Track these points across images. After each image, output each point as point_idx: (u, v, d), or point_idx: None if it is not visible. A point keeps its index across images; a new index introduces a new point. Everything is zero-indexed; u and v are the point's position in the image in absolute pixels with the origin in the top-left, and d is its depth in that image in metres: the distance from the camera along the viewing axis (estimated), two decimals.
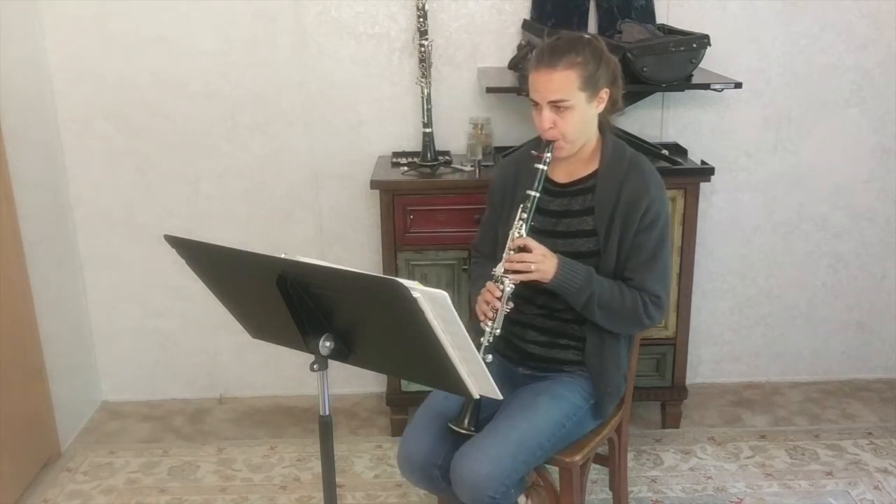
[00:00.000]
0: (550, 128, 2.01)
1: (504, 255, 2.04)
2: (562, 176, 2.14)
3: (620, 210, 2.05)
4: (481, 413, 2.08)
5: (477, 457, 1.94)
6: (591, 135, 2.10)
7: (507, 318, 2.16)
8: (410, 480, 2.14)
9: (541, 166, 2.04)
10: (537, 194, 2.04)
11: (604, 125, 2.13)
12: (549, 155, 2.04)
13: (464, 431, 1.99)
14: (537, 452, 2.04)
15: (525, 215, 2.04)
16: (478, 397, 1.63)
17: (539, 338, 2.18)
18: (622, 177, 2.07)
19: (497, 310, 2.02)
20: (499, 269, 2.04)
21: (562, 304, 2.09)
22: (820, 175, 3.21)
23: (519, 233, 2.04)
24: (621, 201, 2.05)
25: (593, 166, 2.12)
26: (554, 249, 2.06)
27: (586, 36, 2.07)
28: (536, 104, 2.02)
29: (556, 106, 1.99)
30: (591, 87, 2.00)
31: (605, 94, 2.04)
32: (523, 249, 2.02)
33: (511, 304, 2.04)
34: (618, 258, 2.08)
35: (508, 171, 2.22)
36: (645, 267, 2.06)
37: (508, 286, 2.02)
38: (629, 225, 2.04)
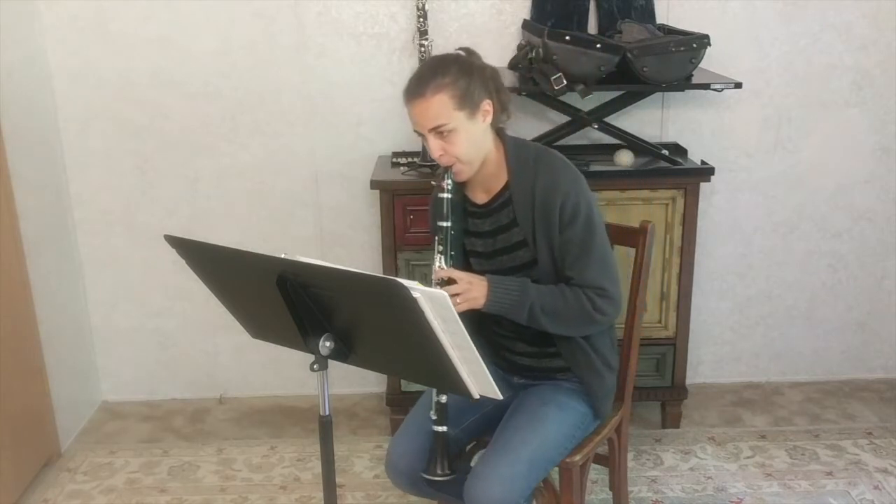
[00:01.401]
0: (441, 154, 1.96)
1: None
2: (481, 196, 2.10)
3: (538, 212, 2.00)
4: (481, 410, 2.08)
5: (490, 479, 1.92)
6: (488, 148, 2.02)
7: (495, 332, 2.14)
8: (398, 486, 2.13)
9: (444, 195, 1.98)
10: (447, 224, 1.99)
11: (501, 133, 2.08)
12: (449, 181, 1.98)
13: (439, 479, 1.96)
14: (548, 467, 2.04)
15: (441, 248, 1.99)
16: (478, 397, 1.63)
17: (528, 349, 2.14)
18: (532, 178, 2.01)
19: None
20: None
21: None
22: (820, 175, 3.21)
23: (439, 265, 1.98)
24: (536, 203, 1.99)
25: (505, 178, 2.07)
26: (500, 267, 2.04)
27: (452, 53, 2.01)
28: (422, 134, 1.97)
29: (439, 132, 1.93)
30: (468, 104, 1.92)
31: (487, 105, 1.97)
32: (449, 282, 1.96)
33: None
34: (553, 261, 2.02)
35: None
36: (579, 261, 1.98)
37: None
38: (551, 224, 1.98)
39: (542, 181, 1.99)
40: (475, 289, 1.96)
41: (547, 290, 1.99)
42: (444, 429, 1.97)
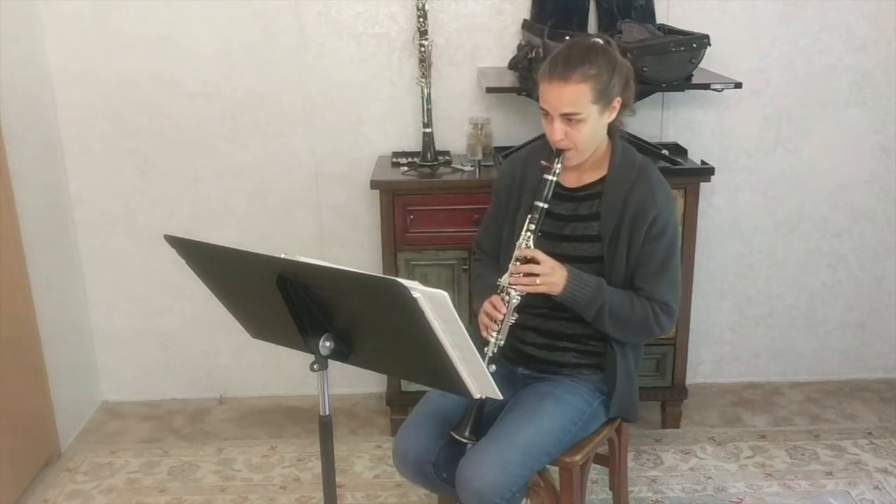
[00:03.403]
0: (562, 139, 1.98)
1: (510, 266, 2.02)
2: (571, 180, 2.12)
3: (627, 219, 2.03)
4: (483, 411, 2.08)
5: (483, 464, 1.93)
6: (602, 141, 2.08)
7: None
8: (405, 476, 2.14)
9: (550, 177, 2.01)
10: (545, 206, 2.02)
11: (614, 129, 2.10)
12: (559, 166, 2.01)
13: (464, 440, 1.98)
14: (543, 458, 2.04)
15: (533, 226, 2.02)
16: (477, 397, 1.63)
17: (538, 340, 2.17)
18: (630, 185, 2.05)
19: (502, 322, 2.01)
20: (504, 280, 2.01)
21: (559, 305, 2.07)
22: (820, 175, 3.21)
23: (526, 244, 2.01)
24: (628, 210, 2.03)
25: (602, 171, 2.10)
26: (559, 252, 2.05)
27: (599, 42, 2.02)
28: (547, 113, 1.99)
29: (568, 118, 1.96)
30: (604, 98, 1.97)
31: (617, 103, 2.01)
32: (530, 261, 1.99)
33: (516, 315, 2.02)
34: (626, 267, 2.06)
35: (515, 169, 2.19)
36: (655, 277, 2.05)
37: (515, 298, 2.00)
38: (636, 235, 2.03)
39: (640, 189, 2.03)
40: (556, 275, 1.99)
41: (618, 295, 2.04)
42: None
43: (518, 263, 2.00)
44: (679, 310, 2.83)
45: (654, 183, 2.05)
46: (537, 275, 1.98)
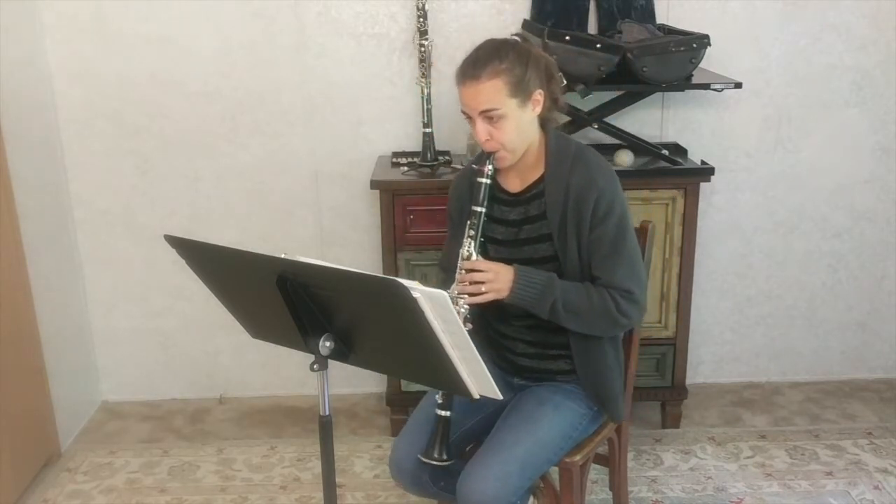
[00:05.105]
0: (487, 140, 1.95)
1: (456, 275, 1.99)
2: (515, 184, 2.10)
3: (571, 208, 1.99)
4: (483, 412, 2.08)
5: (483, 477, 1.92)
6: (533, 138, 2.03)
7: (496, 332, 2.14)
8: (401, 485, 2.13)
9: (483, 180, 1.98)
10: (482, 209, 1.99)
11: (547, 124, 2.06)
12: (490, 167, 1.99)
13: (433, 463, 1.96)
14: (544, 466, 2.03)
15: (473, 232, 1.99)
16: (477, 397, 1.63)
17: (528, 350, 2.14)
18: (567, 174, 2.00)
19: None
20: (453, 291, 1.97)
21: None
22: (820, 175, 3.21)
23: (468, 251, 1.98)
24: (570, 199, 1.99)
25: (542, 169, 2.06)
26: (520, 257, 2.03)
27: (510, 38, 2.00)
28: (469, 117, 1.97)
29: (489, 116, 1.93)
30: (521, 92, 1.92)
31: (539, 95, 1.97)
32: (474, 269, 1.96)
33: (470, 325, 1.96)
34: (580, 258, 2.01)
35: (461, 187, 2.16)
36: (608, 262, 1.98)
37: (463, 307, 1.96)
38: (582, 222, 1.98)
39: (578, 177, 1.99)
40: (501, 279, 1.96)
41: (573, 288, 1.99)
42: (448, 413, 1.97)
43: (463, 272, 1.97)
44: (681, 309, 2.93)
45: (591, 166, 2.01)
46: (482, 282, 1.95)
